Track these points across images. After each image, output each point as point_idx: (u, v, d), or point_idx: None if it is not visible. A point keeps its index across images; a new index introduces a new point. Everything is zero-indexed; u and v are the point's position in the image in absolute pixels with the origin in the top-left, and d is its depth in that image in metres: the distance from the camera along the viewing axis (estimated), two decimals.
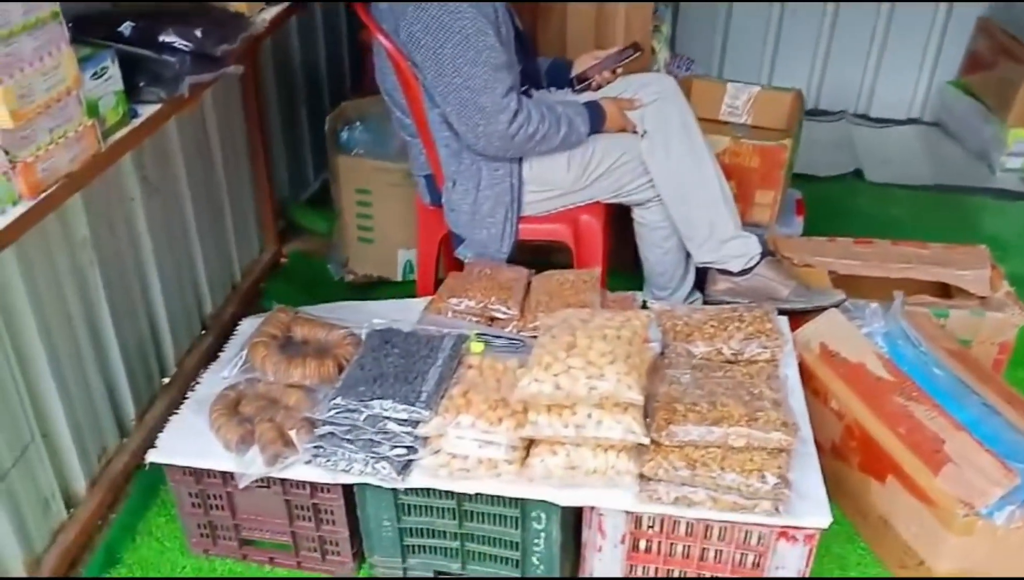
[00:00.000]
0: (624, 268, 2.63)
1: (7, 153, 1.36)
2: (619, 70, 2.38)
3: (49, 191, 1.43)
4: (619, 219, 2.47)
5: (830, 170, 3.63)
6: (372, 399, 1.70)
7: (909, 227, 3.12)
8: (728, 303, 2.19)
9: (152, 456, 1.82)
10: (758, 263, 2.28)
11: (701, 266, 2.38)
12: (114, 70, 1.61)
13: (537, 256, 2.36)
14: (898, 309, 2.11)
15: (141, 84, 1.71)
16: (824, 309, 2.18)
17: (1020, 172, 3.59)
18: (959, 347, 2.11)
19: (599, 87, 2.38)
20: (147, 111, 1.72)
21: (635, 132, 2.24)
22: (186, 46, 1.74)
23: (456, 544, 1.80)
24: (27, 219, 1.39)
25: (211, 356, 2.14)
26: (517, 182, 2.19)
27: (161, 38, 1.72)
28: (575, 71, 2.40)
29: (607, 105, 2.23)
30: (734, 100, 2.93)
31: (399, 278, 2.90)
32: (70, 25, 1.49)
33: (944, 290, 2.38)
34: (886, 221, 3.25)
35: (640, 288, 2.51)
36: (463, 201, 2.21)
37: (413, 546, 1.83)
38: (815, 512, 1.58)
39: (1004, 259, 2.55)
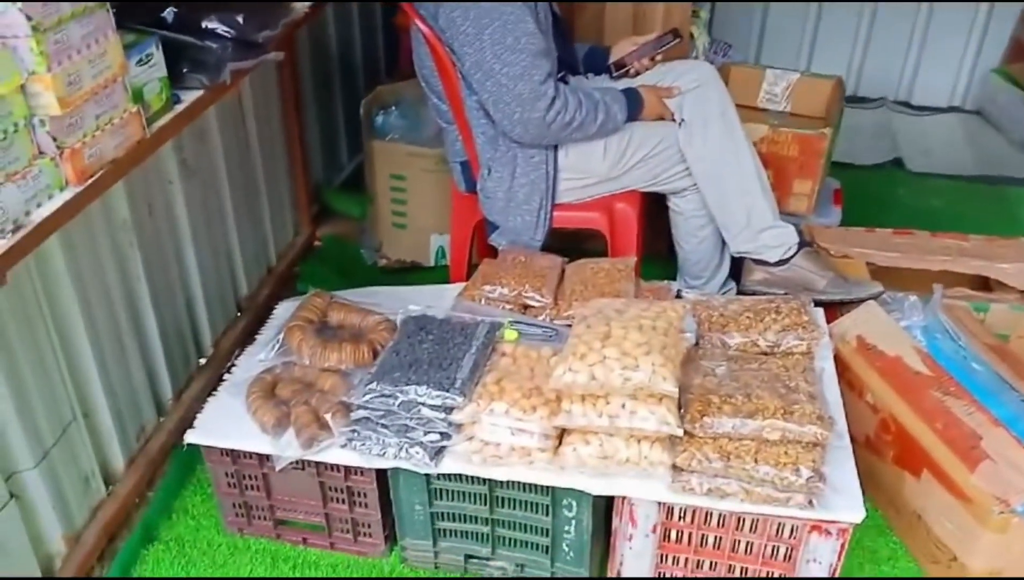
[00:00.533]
0: (657, 256, 2.62)
1: (55, 139, 1.38)
2: (658, 57, 2.36)
3: (95, 177, 1.45)
4: (653, 207, 2.46)
5: (869, 158, 3.59)
6: (407, 385, 1.71)
7: (949, 218, 3.07)
8: (763, 293, 2.18)
9: (190, 437, 1.85)
10: (795, 254, 2.26)
11: (737, 256, 2.36)
12: (158, 57, 1.63)
13: (570, 243, 2.36)
14: (937, 302, 2.09)
15: (184, 70, 1.73)
16: (862, 301, 2.16)
17: None
18: (998, 342, 2.08)
19: (637, 74, 2.36)
20: (189, 97, 1.74)
21: (673, 120, 2.22)
22: (228, 32, 1.75)
23: (487, 529, 1.81)
24: (74, 205, 1.41)
25: (247, 338, 2.17)
26: (552, 170, 2.19)
27: (203, 24, 1.74)
28: (613, 57, 2.39)
29: (645, 92, 2.21)
30: (772, 87, 2.89)
31: (431, 264, 2.91)
32: (114, 11, 1.50)
33: (984, 283, 2.35)
34: (926, 212, 3.20)
35: (673, 276, 2.49)
36: (498, 188, 2.21)
37: (444, 530, 1.85)
38: (849, 506, 1.57)
39: None
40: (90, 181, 1.44)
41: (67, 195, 1.41)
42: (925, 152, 3.67)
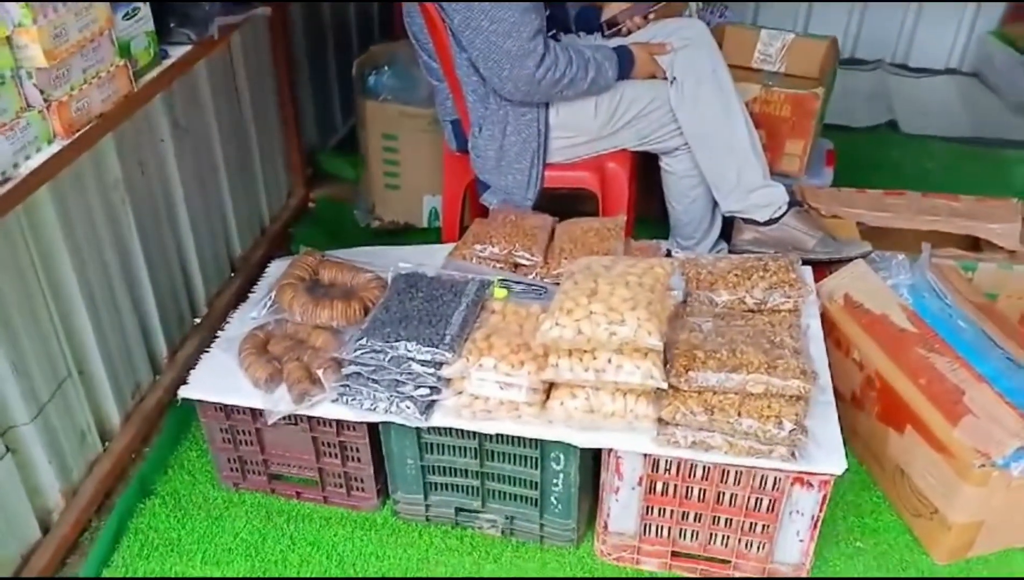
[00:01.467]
0: (650, 219, 2.62)
1: (42, 92, 1.38)
2: (650, 15, 2.35)
3: (83, 130, 1.46)
4: (645, 169, 2.46)
5: (864, 121, 3.58)
6: (397, 341, 1.73)
7: (943, 180, 3.07)
8: (753, 253, 2.19)
9: (184, 392, 1.87)
10: (785, 213, 2.27)
11: (728, 215, 2.37)
12: (145, 11, 1.62)
13: (564, 205, 2.36)
14: (925, 261, 2.10)
15: (171, 25, 1.73)
16: (850, 260, 2.17)
17: None
18: (985, 301, 2.10)
19: (629, 32, 2.36)
20: (177, 52, 1.74)
21: (665, 78, 2.22)
22: None
23: (477, 483, 1.84)
24: (63, 157, 1.42)
25: (241, 298, 2.18)
26: (544, 128, 2.19)
27: None
28: (605, 16, 2.38)
29: (637, 51, 2.21)
30: (767, 48, 2.87)
31: (424, 225, 2.92)
32: None
33: (974, 243, 2.36)
34: (919, 174, 3.21)
35: (666, 238, 2.50)
36: (489, 147, 2.22)
37: (435, 484, 1.88)
38: (830, 459, 1.59)
39: None
40: (78, 134, 1.45)
41: (55, 148, 1.42)
42: (921, 114, 3.66)
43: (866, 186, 2.56)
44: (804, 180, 2.64)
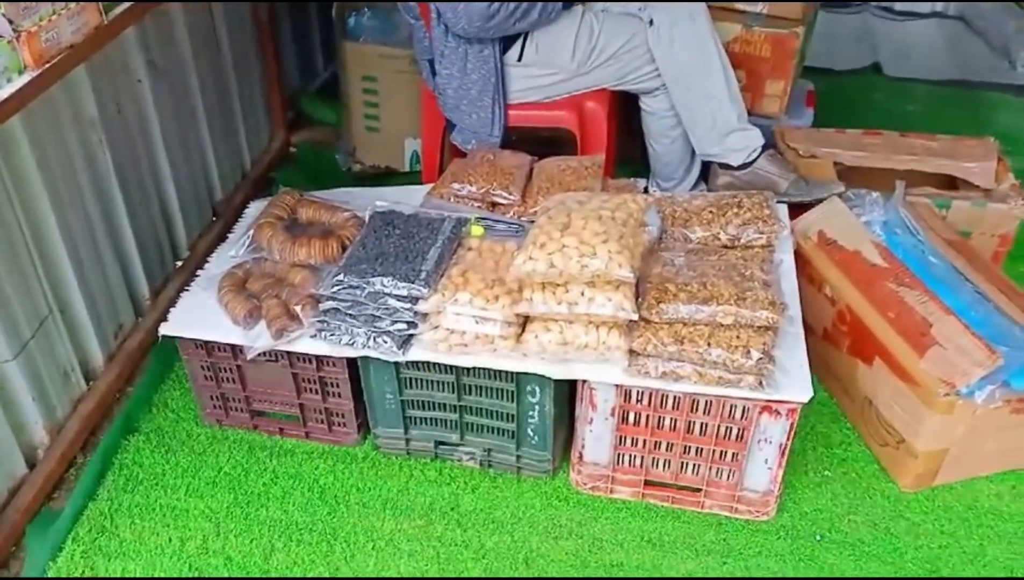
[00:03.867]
0: (631, 162, 2.63)
1: (11, 23, 1.38)
2: None
3: (53, 61, 1.46)
4: (629, 111, 2.46)
5: (848, 64, 3.57)
6: (373, 276, 1.74)
7: (924, 122, 3.07)
8: None
9: (164, 329, 1.89)
10: (758, 157, 2.27)
11: (704, 159, 2.38)
12: None
13: (544, 148, 2.36)
14: (898, 198, 2.12)
15: None
16: (823, 201, 2.18)
17: None
18: (958, 238, 2.12)
19: None
20: None
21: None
22: None
23: (455, 416, 1.88)
24: (34, 87, 1.42)
25: (222, 241, 2.19)
26: (499, 64, 2.18)
27: None
28: None
29: None
30: None
31: (406, 169, 2.92)
32: None
33: (952, 182, 2.37)
34: (901, 116, 3.21)
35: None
36: (448, 84, 2.21)
37: (414, 418, 1.91)
38: (797, 387, 1.62)
39: (1015, 153, 2.53)
40: (48, 65, 1.45)
41: (27, 78, 1.42)
42: (905, 57, 3.65)
43: (847, 128, 2.56)
44: (784, 120, 2.65)
